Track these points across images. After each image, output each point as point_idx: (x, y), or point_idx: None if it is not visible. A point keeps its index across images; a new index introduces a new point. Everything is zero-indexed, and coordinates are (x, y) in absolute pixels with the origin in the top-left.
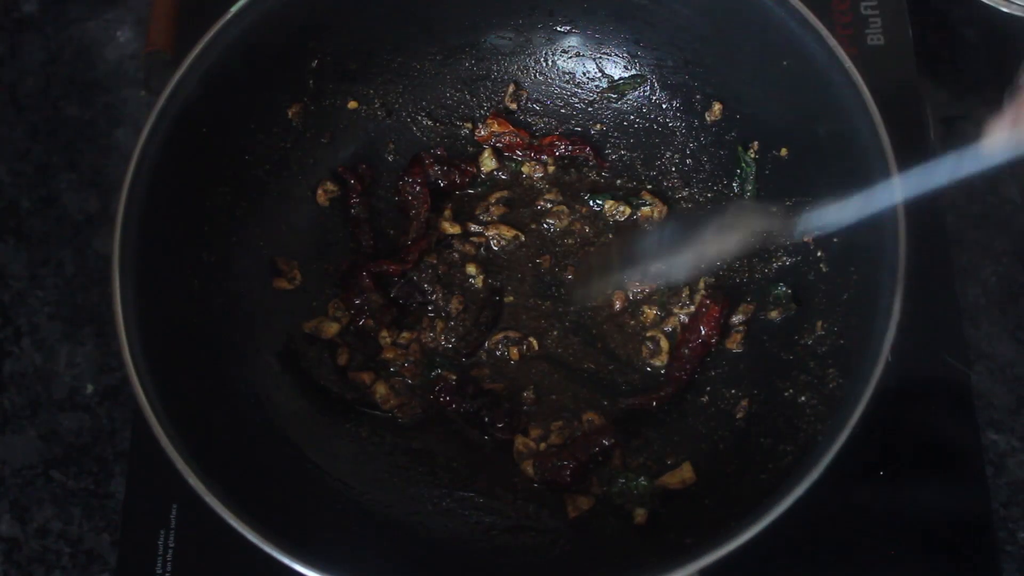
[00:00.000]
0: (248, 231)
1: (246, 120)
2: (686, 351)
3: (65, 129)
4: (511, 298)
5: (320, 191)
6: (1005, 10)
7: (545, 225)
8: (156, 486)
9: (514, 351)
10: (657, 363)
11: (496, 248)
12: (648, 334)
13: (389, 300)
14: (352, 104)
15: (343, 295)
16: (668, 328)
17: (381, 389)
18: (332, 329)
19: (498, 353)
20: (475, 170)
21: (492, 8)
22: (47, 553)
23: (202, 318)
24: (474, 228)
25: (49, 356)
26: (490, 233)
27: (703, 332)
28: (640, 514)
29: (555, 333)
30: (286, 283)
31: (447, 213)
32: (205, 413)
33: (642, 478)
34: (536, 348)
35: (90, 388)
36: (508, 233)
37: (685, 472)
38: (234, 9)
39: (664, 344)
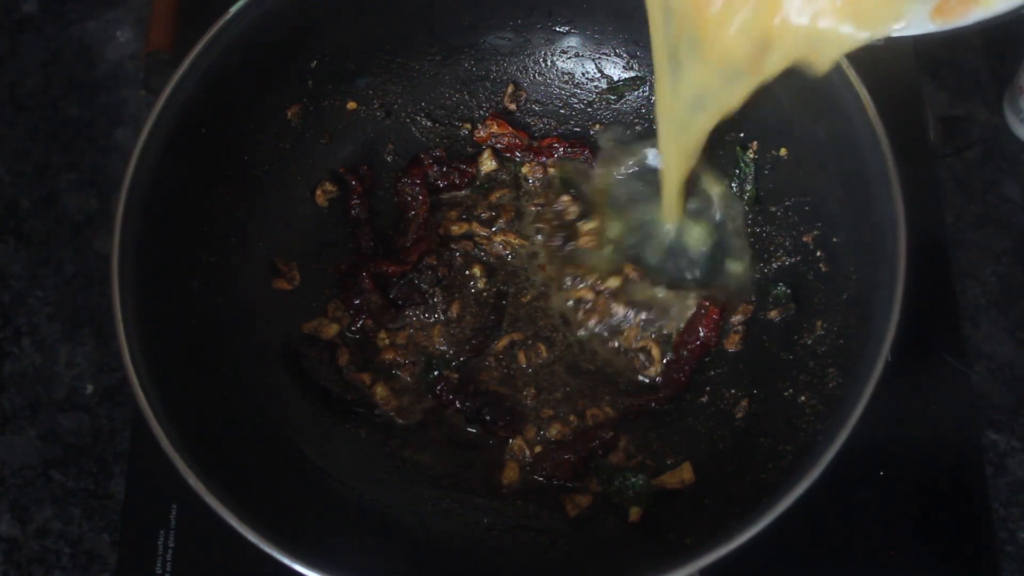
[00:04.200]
0: (248, 231)
1: (246, 120)
2: (684, 352)
3: (65, 129)
4: (525, 297)
5: (319, 192)
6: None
7: (536, 228)
8: (156, 486)
9: (522, 356)
10: (652, 372)
11: (502, 252)
12: (639, 344)
13: (388, 301)
14: (351, 105)
15: (342, 295)
16: (665, 333)
17: (381, 391)
18: (332, 330)
19: (501, 357)
20: (474, 171)
21: (491, 8)
22: (47, 553)
23: (202, 318)
24: (480, 231)
25: (49, 356)
26: (497, 240)
27: (702, 334)
28: (635, 512)
29: (557, 336)
30: (285, 284)
31: (452, 214)
32: (205, 413)
33: (639, 476)
34: (544, 355)
35: (90, 388)
36: (515, 240)
37: (685, 472)
38: (234, 9)
39: (656, 353)
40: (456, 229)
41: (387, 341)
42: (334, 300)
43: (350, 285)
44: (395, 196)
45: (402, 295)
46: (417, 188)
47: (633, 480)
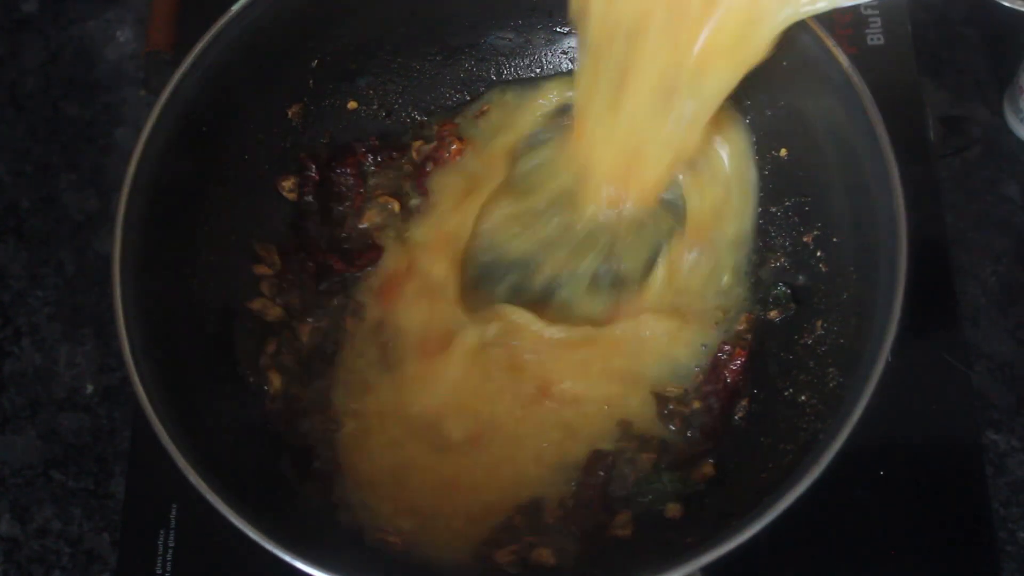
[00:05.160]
0: (248, 231)
1: (246, 120)
2: (713, 401)
3: (65, 129)
4: None
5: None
6: (1007, 4)
7: None
8: (156, 486)
9: None
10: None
11: None
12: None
13: (318, 292)
14: (352, 104)
15: (279, 272)
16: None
17: (275, 381)
18: (275, 313)
19: None
20: (406, 158)
21: (492, 9)
22: (47, 553)
23: (202, 318)
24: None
25: (49, 356)
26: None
27: (728, 380)
28: (673, 508)
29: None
30: (266, 268)
31: (381, 200)
32: (205, 412)
33: (665, 476)
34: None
35: (90, 388)
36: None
37: (705, 467)
38: (234, 8)
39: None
40: (394, 204)
41: (306, 328)
42: (267, 277)
43: (291, 263)
44: (329, 186)
45: (331, 290)
46: (351, 179)
47: (661, 482)
